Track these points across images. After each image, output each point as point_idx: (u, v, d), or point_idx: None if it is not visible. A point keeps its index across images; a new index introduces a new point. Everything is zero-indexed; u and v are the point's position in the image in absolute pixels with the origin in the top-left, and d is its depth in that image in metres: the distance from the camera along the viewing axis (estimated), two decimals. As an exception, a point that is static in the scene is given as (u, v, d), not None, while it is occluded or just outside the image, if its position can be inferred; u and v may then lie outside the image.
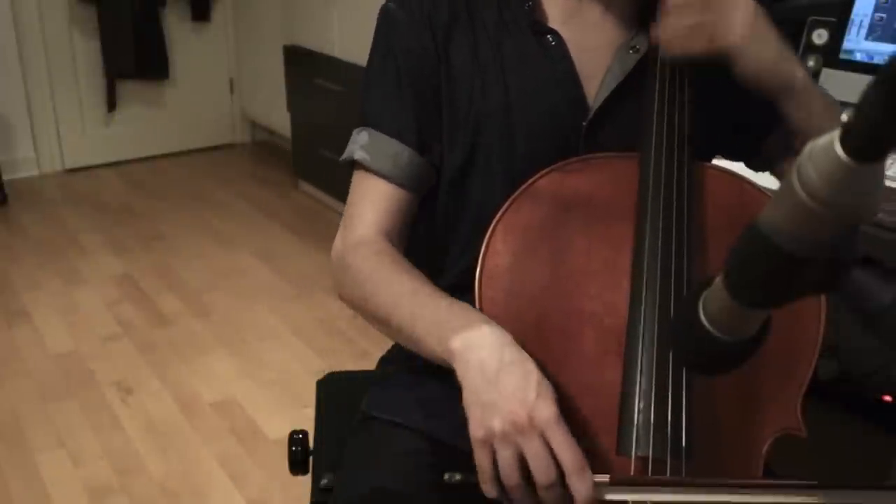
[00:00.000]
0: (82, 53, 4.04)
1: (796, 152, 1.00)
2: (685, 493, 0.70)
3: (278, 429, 2.18)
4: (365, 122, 0.95)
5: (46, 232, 3.48)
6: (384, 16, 0.95)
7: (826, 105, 0.93)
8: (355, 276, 0.90)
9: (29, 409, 2.28)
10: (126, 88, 4.20)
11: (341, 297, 0.94)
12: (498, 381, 0.72)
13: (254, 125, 4.62)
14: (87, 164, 4.21)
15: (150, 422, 2.23)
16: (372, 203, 0.93)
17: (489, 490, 0.72)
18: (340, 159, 0.96)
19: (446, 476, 0.74)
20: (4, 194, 3.72)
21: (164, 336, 2.67)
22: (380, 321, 0.88)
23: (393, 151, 0.93)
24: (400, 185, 0.93)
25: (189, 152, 4.47)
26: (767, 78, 0.86)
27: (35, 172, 4.09)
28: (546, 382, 0.73)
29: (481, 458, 0.72)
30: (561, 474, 0.69)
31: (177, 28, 4.28)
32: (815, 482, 0.70)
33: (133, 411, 2.28)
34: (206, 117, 4.50)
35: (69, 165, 4.17)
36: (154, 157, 4.37)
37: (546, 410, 0.70)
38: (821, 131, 0.91)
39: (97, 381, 2.42)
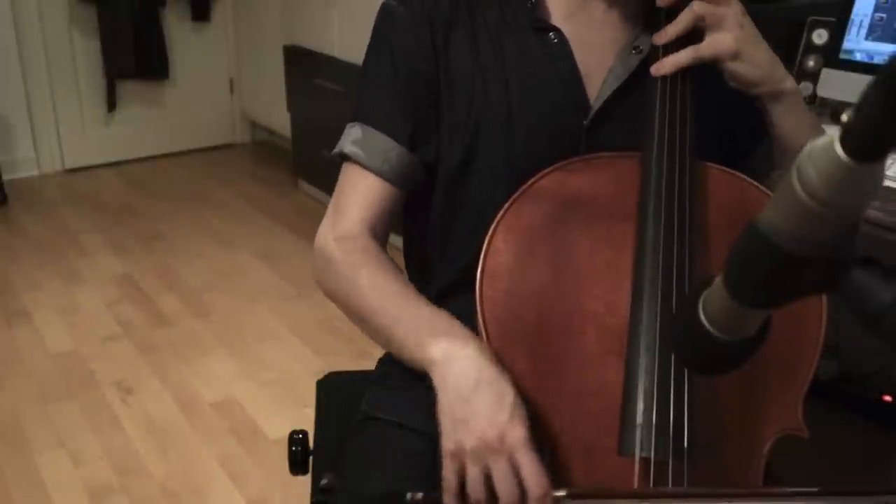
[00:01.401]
0: (82, 53, 4.04)
1: (777, 166, 1.01)
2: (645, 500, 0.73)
3: (278, 429, 2.18)
4: (358, 117, 0.95)
5: (46, 232, 3.47)
6: (384, 12, 0.95)
7: (810, 115, 0.94)
8: (339, 270, 0.90)
9: (29, 410, 2.27)
10: (126, 88, 4.20)
11: (321, 286, 0.94)
12: (472, 398, 0.73)
13: (254, 125, 4.62)
14: (87, 164, 4.21)
15: (150, 422, 2.23)
16: (360, 197, 0.93)
17: None
18: (332, 153, 0.97)
19: (409, 496, 0.75)
20: (4, 194, 3.72)
21: (164, 336, 2.67)
22: (360, 319, 0.88)
23: (384, 148, 0.93)
24: (389, 181, 0.93)
25: (189, 152, 4.47)
26: (761, 81, 0.87)
27: (35, 172, 4.09)
28: (520, 405, 0.74)
29: (449, 472, 0.73)
30: (523, 494, 0.71)
31: (177, 28, 4.27)
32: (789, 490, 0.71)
33: (133, 411, 2.28)
34: (206, 117, 4.50)
35: (69, 165, 4.17)
36: (154, 157, 4.37)
37: (516, 434, 0.72)
38: (804, 140, 0.93)
39: (97, 381, 2.42)
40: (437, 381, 0.77)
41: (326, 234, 0.94)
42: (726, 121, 0.97)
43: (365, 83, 0.96)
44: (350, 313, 0.90)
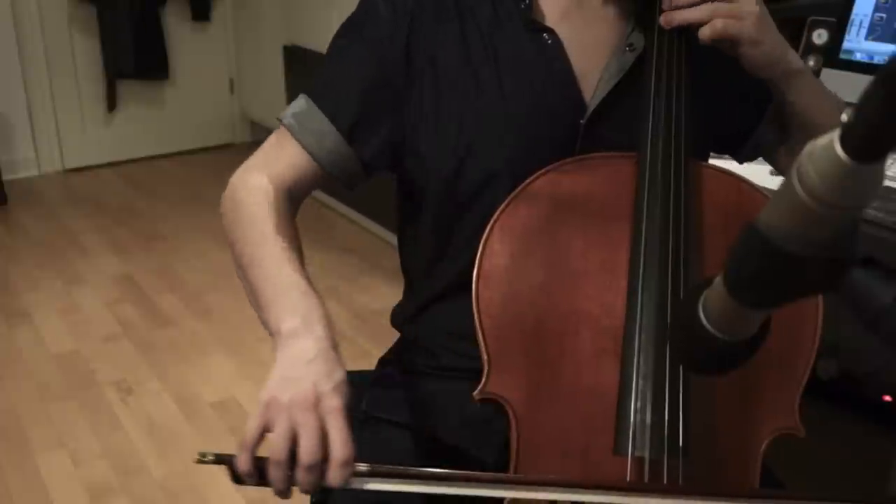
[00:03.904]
0: (82, 53, 4.04)
1: (796, 142, 1.02)
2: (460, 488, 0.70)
3: (278, 429, 2.18)
4: (309, 92, 0.95)
5: (46, 232, 3.47)
6: (367, 2, 0.95)
7: (823, 88, 0.96)
8: (239, 215, 0.90)
9: (29, 409, 2.27)
10: (126, 88, 4.20)
11: (223, 220, 0.94)
12: (308, 365, 0.74)
13: (254, 125, 4.62)
14: (87, 164, 4.21)
15: (150, 422, 2.23)
16: (285, 163, 0.93)
17: (243, 462, 0.71)
18: (277, 117, 0.96)
19: (199, 454, 0.72)
20: (4, 194, 3.72)
21: (164, 336, 2.67)
22: (239, 267, 0.89)
23: (322, 129, 0.93)
24: (317, 160, 0.93)
25: (189, 152, 4.47)
26: (775, 64, 0.88)
27: (35, 172, 4.09)
28: (347, 389, 0.74)
29: (253, 422, 0.72)
30: (323, 460, 0.70)
31: (177, 28, 4.27)
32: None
33: (133, 411, 2.28)
34: (206, 117, 4.50)
35: (69, 165, 4.17)
36: (154, 157, 4.37)
37: (334, 402, 0.71)
38: (823, 113, 0.94)
39: (97, 381, 2.42)
40: (279, 348, 0.77)
41: (245, 178, 0.93)
42: (721, 104, 0.98)
43: (327, 61, 0.96)
44: (235, 256, 0.90)
